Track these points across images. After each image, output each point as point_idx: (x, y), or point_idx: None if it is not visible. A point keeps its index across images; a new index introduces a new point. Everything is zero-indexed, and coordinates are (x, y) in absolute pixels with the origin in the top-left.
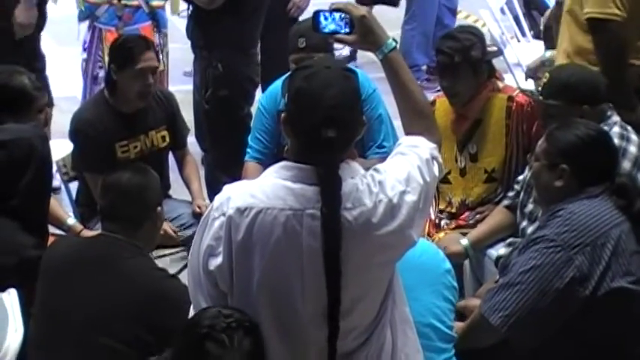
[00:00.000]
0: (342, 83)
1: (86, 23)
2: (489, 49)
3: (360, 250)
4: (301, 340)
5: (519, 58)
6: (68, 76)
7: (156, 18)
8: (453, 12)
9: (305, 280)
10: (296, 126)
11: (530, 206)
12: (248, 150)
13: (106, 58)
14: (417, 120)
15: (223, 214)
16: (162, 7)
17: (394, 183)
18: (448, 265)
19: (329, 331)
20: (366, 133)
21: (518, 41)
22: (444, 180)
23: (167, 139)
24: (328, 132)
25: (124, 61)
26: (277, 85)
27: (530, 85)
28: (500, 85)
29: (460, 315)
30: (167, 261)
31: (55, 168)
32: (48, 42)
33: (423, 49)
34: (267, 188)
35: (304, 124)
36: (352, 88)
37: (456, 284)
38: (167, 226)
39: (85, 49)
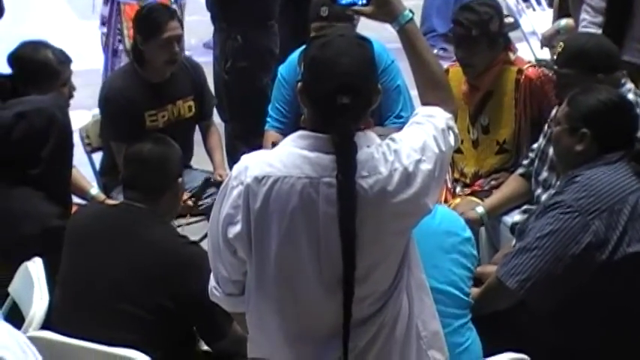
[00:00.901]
0: (355, 51)
1: None
2: (506, 20)
3: (376, 218)
4: (317, 306)
5: (534, 26)
6: (89, 49)
7: None
8: None
9: (321, 248)
10: (311, 94)
11: (544, 174)
12: (268, 119)
13: (125, 32)
14: (433, 90)
15: (241, 183)
16: None
17: (410, 152)
18: (468, 233)
19: (344, 297)
20: (384, 104)
21: (534, 10)
22: (457, 150)
23: (194, 109)
24: (343, 99)
25: (150, 32)
26: (297, 55)
27: (545, 53)
28: (513, 57)
29: (476, 281)
30: (188, 230)
31: (77, 138)
32: (69, 15)
33: (442, 15)
34: (284, 157)
35: (319, 91)
36: (366, 55)
37: (475, 252)
38: (187, 197)
39: (103, 24)
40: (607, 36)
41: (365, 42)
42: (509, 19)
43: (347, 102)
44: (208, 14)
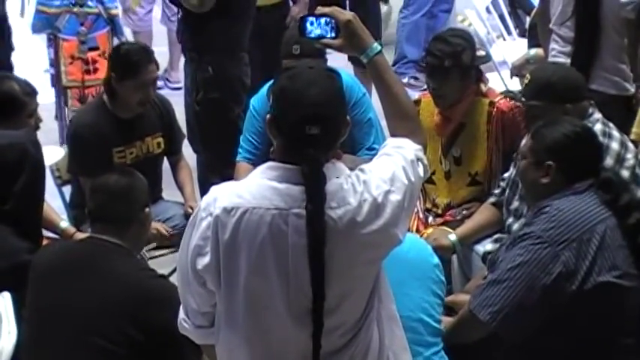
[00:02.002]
0: (324, 82)
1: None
2: (478, 54)
3: (345, 249)
4: (286, 338)
5: (505, 56)
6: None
7: (113, 24)
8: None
9: (290, 279)
10: (280, 125)
11: (515, 203)
12: (239, 150)
13: (63, 68)
14: (402, 122)
15: (210, 215)
16: (118, 15)
17: (379, 182)
18: (436, 259)
19: (314, 328)
20: (355, 136)
21: (504, 40)
22: (429, 180)
23: (162, 146)
24: (312, 129)
25: (127, 73)
26: (268, 87)
27: (515, 82)
28: (484, 88)
29: (449, 309)
30: (160, 262)
31: (47, 171)
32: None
33: (413, 42)
34: (253, 188)
35: (288, 122)
36: (335, 87)
37: (444, 279)
38: (159, 226)
39: (51, 65)
40: (575, 65)
41: (334, 74)
42: (481, 52)
43: (316, 132)
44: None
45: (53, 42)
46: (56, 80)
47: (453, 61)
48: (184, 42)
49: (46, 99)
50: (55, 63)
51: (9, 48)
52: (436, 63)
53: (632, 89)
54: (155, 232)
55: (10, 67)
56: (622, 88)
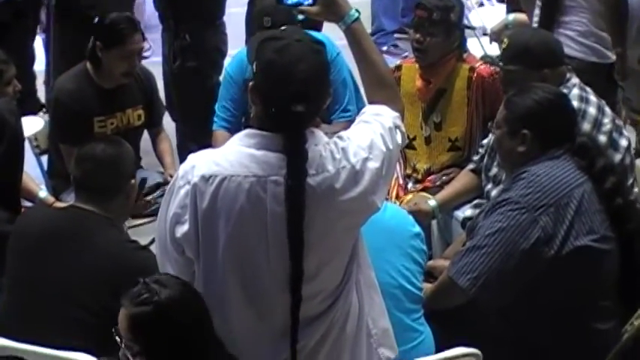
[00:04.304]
0: (312, 58)
1: None
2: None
3: (323, 216)
4: (267, 304)
5: (484, 21)
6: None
7: None
8: None
9: (269, 246)
10: (265, 98)
11: (494, 170)
12: (215, 119)
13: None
14: (380, 89)
15: (188, 183)
16: None
17: (357, 150)
18: (417, 228)
19: (292, 295)
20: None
21: (482, 5)
22: (409, 146)
23: (142, 118)
24: (298, 107)
25: (112, 42)
26: (244, 52)
27: (494, 48)
28: (465, 55)
29: (429, 275)
30: (138, 231)
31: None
32: None
33: (390, 15)
34: (230, 156)
35: (274, 97)
36: (322, 62)
37: (425, 247)
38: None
39: (43, 31)
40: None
41: (320, 46)
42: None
43: (301, 110)
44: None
45: (45, 6)
46: (47, 45)
47: (442, 15)
48: (161, 11)
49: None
50: (47, 28)
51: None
52: (425, 15)
53: (613, 57)
54: (141, 202)
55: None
56: (602, 55)
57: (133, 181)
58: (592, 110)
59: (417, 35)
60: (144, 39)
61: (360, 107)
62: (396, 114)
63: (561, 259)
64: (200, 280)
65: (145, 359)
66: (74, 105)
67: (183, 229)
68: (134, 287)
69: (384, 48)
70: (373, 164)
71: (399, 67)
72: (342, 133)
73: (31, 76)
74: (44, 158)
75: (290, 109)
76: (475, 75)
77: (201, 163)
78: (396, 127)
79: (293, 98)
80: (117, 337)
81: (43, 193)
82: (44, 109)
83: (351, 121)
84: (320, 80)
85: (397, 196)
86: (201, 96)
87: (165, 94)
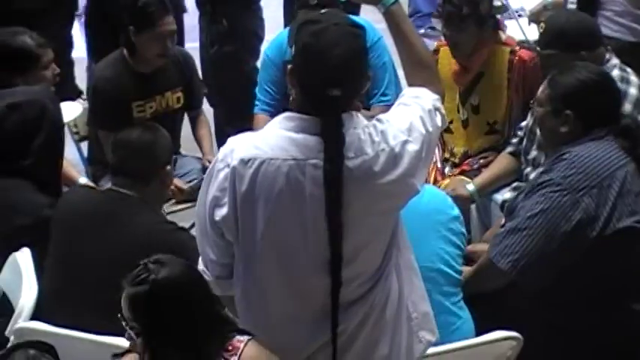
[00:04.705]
0: (349, 41)
1: None
2: (495, 3)
3: (362, 199)
4: (306, 288)
5: (522, 3)
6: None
7: None
8: None
9: (308, 230)
10: (302, 81)
11: (533, 153)
12: (256, 102)
13: None
14: (420, 72)
15: (227, 166)
16: None
17: (396, 132)
18: (456, 211)
19: (332, 278)
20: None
21: None
22: (447, 129)
23: (182, 101)
24: (333, 91)
25: (144, 25)
26: (283, 35)
27: (533, 29)
28: (503, 36)
29: (468, 260)
30: (178, 216)
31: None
32: None
33: None
34: (270, 139)
35: (310, 81)
36: (360, 46)
37: (464, 230)
38: (177, 181)
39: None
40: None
41: (359, 30)
42: (498, 3)
43: (337, 94)
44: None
45: None
46: (87, 31)
47: (471, 9)
48: None
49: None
50: (85, 13)
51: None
52: (454, 10)
53: None
54: (173, 188)
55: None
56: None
57: (168, 167)
58: (633, 91)
59: (448, 31)
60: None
61: (398, 92)
62: (436, 96)
63: (603, 241)
64: (239, 263)
65: (147, 338)
66: (112, 91)
67: (222, 212)
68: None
69: (422, 31)
70: (413, 147)
71: (436, 51)
72: (381, 116)
73: (69, 63)
74: (84, 145)
75: (325, 93)
76: (516, 58)
77: (241, 146)
78: (436, 109)
79: (328, 82)
80: (123, 321)
81: (82, 179)
82: (83, 96)
83: (390, 106)
84: (356, 65)
85: (435, 181)
86: (238, 81)
87: (203, 79)
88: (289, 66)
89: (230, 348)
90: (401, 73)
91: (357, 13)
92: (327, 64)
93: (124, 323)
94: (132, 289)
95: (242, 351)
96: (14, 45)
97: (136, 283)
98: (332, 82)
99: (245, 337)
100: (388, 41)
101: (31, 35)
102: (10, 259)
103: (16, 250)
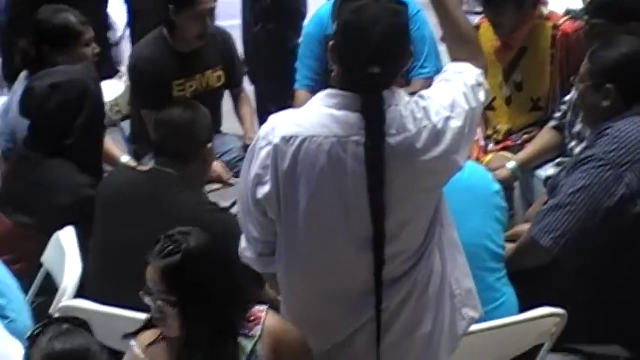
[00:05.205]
0: (390, 19)
1: None
2: None
3: (405, 176)
4: (348, 265)
5: None
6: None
7: None
8: None
9: (350, 206)
10: (342, 58)
11: (577, 126)
12: (297, 77)
13: None
14: (462, 46)
15: (269, 143)
16: None
17: (438, 109)
18: (497, 186)
19: (374, 255)
20: None
21: None
22: (489, 107)
23: (222, 79)
24: (374, 69)
25: (183, 3)
26: (323, 9)
27: (578, 1)
28: (545, 11)
29: (511, 241)
30: (218, 195)
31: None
32: None
33: None
34: (311, 116)
35: (350, 58)
36: (401, 23)
37: (505, 204)
38: (220, 169)
39: None
40: None
41: (400, 6)
42: None
43: (377, 71)
44: None
45: None
46: (129, 10)
47: None
48: None
49: None
50: None
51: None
52: None
53: None
54: (215, 174)
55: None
56: None
57: (209, 145)
58: None
59: (488, 12)
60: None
61: (438, 66)
62: (479, 71)
63: None
64: (282, 240)
65: (183, 307)
66: (152, 70)
67: (264, 189)
68: (156, 244)
69: (464, 7)
70: (455, 123)
71: (477, 27)
72: (424, 92)
73: (106, 41)
74: (125, 123)
75: (366, 70)
76: (559, 32)
77: (282, 123)
78: (479, 84)
79: (368, 60)
80: (146, 297)
81: (124, 157)
82: (120, 74)
83: (429, 78)
84: (397, 42)
85: (477, 159)
86: (281, 57)
87: (245, 56)
88: (330, 42)
89: (252, 318)
90: (442, 49)
91: None
92: (367, 42)
93: (149, 297)
94: (163, 261)
95: (264, 320)
96: (56, 21)
97: (167, 254)
98: (372, 59)
99: (264, 307)
100: (428, 13)
101: (73, 12)
102: (54, 238)
103: (60, 229)
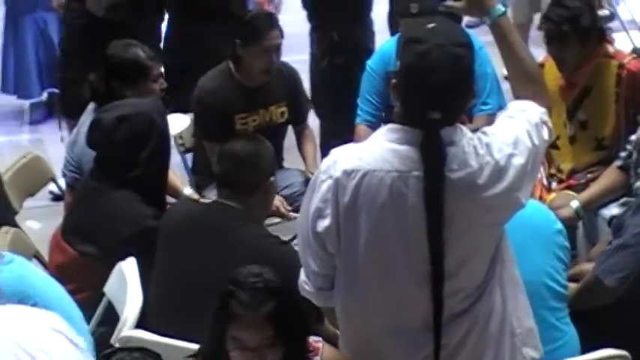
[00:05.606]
0: (452, 65)
1: None
2: (601, 13)
3: (466, 212)
4: (407, 300)
5: (633, 14)
6: None
7: None
8: None
9: (410, 241)
10: (404, 100)
11: None
12: (358, 112)
13: None
14: (527, 85)
15: (330, 177)
16: None
17: (501, 145)
18: (559, 225)
19: (433, 291)
20: None
21: None
22: (553, 145)
23: (286, 115)
24: (433, 114)
25: (251, 38)
26: (387, 45)
27: None
28: (612, 50)
29: (574, 280)
30: (280, 229)
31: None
32: None
33: None
34: (373, 150)
35: (411, 102)
36: (463, 69)
37: (568, 244)
38: (280, 204)
39: None
40: None
41: (464, 49)
42: (605, 12)
43: (437, 117)
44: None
45: None
46: None
47: (572, 26)
48: (309, 10)
49: None
50: None
51: None
52: (554, 29)
53: None
54: (275, 209)
55: None
56: None
57: (272, 178)
58: None
59: (551, 49)
60: (282, 35)
61: (501, 103)
62: (543, 109)
63: None
64: (341, 275)
65: (286, 345)
66: (215, 103)
67: (324, 223)
68: (241, 294)
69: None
70: (518, 160)
71: (541, 65)
72: (487, 129)
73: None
74: (188, 156)
75: (426, 115)
76: (625, 71)
77: (344, 157)
78: (543, 122)
79: (429, 106)
80: (236, 352)
81: (187, 190)
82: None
83: (492, 115)
84: (458, 88)
85: (540, 198)
86: (347, 93)
87: (311, 91)
88: (393, 80)
89: (311, 348)
90: (506, 87)
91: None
92: (428, 88)
93: (242, 353)
94: (261, 308)
95: (322, 352)
96: (126, 56)
97: (261, 300)
98: (433, 106)
99: (318, 338)
100: (491, 51)
101: (143, 48)
102: (116, 268)
103: (122, 259)
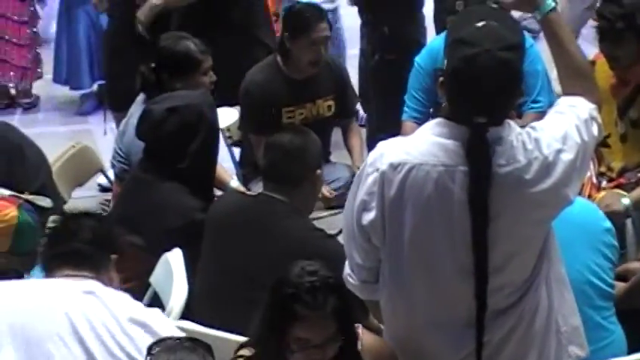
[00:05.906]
0: (500, 70)
1: None
2: None
3: (513, 207)
4: (451, 294)
5: None
6: None
7: None
8: None
9: (456, 236)
10: (450, 101)
11: None
12: (405, 109)
13: None
14: (577, 81)
15: (377, 170)
16: None
17: (550, 141)
18: (608, 223)
19: (477, 286)
20: None
21: None
22: (604, 143)
23: (333, 109)
24: (479, 118)
25: (299, 31)
26: (436, 42)
27: None
28: None
29: (621, 278)
30: (326, 222)
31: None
32: None
33: None
34: (420, 144)
35: (458, 105)
36: (510, 73)
37: (616, 243)
38: (325, 190)
39: None
40: None
41: (514, 52)
42: None
43: (483, 121)
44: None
45: None
46: None
47: (626, 23)
48: (360, 4)
49: None
50: None
51: None
52: (607, 26)
53: None
54: (320, 195)
55: None
56: None
57: (319, 171)
58: None
59: (604, 46)
60: (330, 28)
61: (551, 100)
62: (593, 105)
63: None
64: (385, 268)
65: (345, 337)
66: (261, 96)
67: (370, 216)
68: (303, 295)
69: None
70: (567, 156)
71: (592, 63)
72: (536, 124)
73: None
74: (236, 149)
75: (472, 119)
76: None
77: (391, 151)
78: (593, 118)
79: (474, 110)
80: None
81: (234, 182)
82: None
83: (543, 113)
84: (505, 93)
85: (589, 196)
86: (397, 88)
87: (359, 86)
88: (440, 78)
89: None
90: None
91: None
92: (474, 94)
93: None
94: (326, 306)
95: (361, 336)
96: (177, 49)
97: (323, 299)
98: (479, 111)
99: (357, 324)
100: (541, 46)
101: (194, 41)
102: (162, 259)
103: (168, 250)
